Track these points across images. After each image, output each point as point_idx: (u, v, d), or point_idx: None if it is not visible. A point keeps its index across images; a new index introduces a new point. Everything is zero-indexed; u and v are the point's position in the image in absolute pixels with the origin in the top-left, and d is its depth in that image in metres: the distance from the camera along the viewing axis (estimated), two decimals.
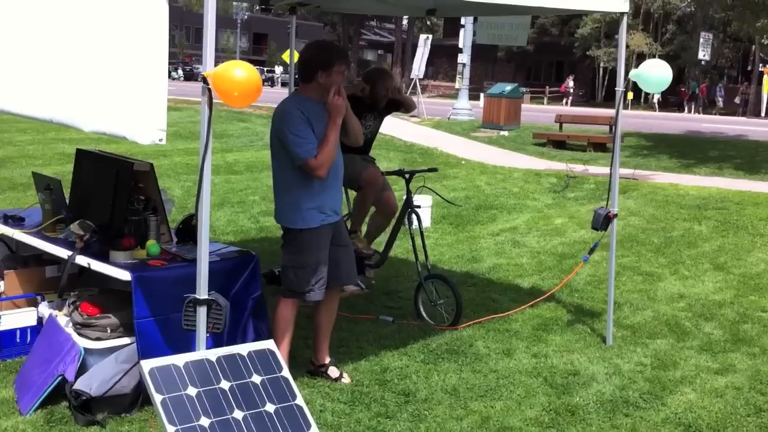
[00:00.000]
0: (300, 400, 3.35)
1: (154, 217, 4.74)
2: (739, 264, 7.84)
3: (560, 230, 9.32)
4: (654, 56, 46.71)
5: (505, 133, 19.70)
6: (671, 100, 46.68)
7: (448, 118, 23.08)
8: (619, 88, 5.40)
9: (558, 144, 17.80)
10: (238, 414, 3.20)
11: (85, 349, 4.29)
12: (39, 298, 5.04)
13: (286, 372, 3.43)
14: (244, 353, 3.41)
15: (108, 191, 4.74)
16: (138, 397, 4.26)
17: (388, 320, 5.90)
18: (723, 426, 4.36)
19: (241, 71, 3.22)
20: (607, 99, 48.91)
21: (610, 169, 5.48)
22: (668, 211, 10.36)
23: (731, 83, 51.69)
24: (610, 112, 34.88)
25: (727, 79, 52.85)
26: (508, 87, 20.90)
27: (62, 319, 4.55)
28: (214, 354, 3.34)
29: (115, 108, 3.57)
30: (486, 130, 20.21)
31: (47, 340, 4.51)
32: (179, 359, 3.27)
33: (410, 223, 6.00)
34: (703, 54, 42.73)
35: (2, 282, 5.16)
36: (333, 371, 4.79)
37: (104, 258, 4.44)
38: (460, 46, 23.37)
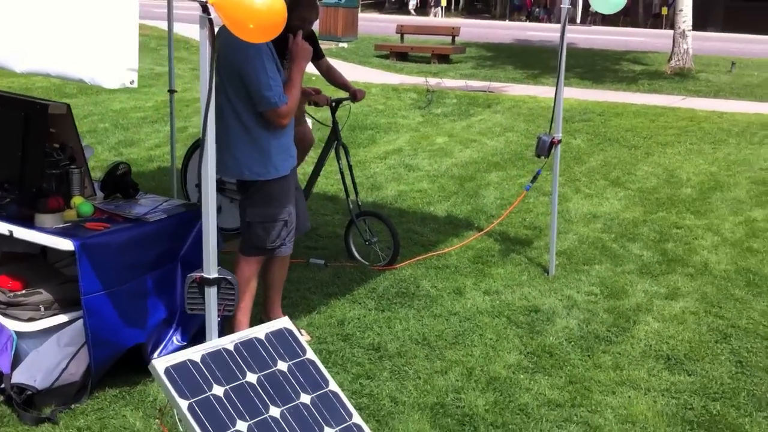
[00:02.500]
0: (333, 385, 2.92)
1: (77, 169, 4.00)
2: (631, 179, 7.98)
3: (446, 151, 9.11)
4: None
5: (344, 45, 19.16)
6: (478, 6, 47.52)
7: None
8: (565, 5, 5.12)
9: (401, 56, 17.53)
10: (274, 411, 2.72)
11: (17, 333, 3.58)
12: None
13: (310, 353, 2.97)
14: (262, 336, 2.91)
15: (15, 139, 3.92)
16: (86, 384, 3.64)
17: (320, 263, 5.47)
18: (700, 356, 4.36)
19: None
20: (421, 6, 49.14)
21: (555, 93, 5.23)
22: (539, 125, 10.40)
23: None
24: (449, 21, 35.00)
25: None
26: None
27: None
28: (230, 341, 2.82)
29: (68, 42, 2.86)
30: (323, 41, 19.51)
31: None
32: (194, 353, 2.72)
33: (338, 157, 5.51)
34: None
35: None
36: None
37: (26, 222, 3.69)
38: None
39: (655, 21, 37.08)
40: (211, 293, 2.83)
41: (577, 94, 12.66)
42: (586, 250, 5.95)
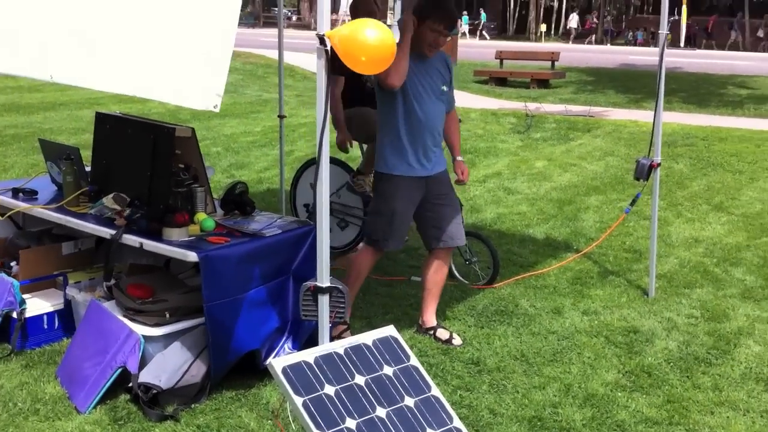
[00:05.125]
0: (435, 390, 3.10)
1: (200, 188, 4.33)
2: (735, 204, 7.89)
3: (545, 174, 9.20)
4: None
5: None
6: (579, 31, 47.19)
7: None
8: (663, 31, 5.20)
9: (500, 81, 17.69)
10: (381, 412, 2.92)
11: (144, 337, 3.89)
12: (62, 278, 4.58)
13: (414, 360, 3.16)
14: (369, 342, 3.12)
15: (144, 160, 4.28)
16: (206, 386, 3.92)
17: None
18: None
19: (373, 32, 2.84)
20: (518, 32, 49.20)
21: (654, 117, 5.31)
22: (640, 150, 10.35)
23: (637, 13, 52.62)
24: (546, 46, 34.97)
25: (633, 10, 53.73)
26: None
27: (106, 303, 4.13)
28: (340, 346, 3.03)
29: (162, 65, 3.13)
30: None
31: (94, 327, 4.08)
32: (308, 355, 2.95)
33: None
34: None
35: (14, 263, 4.67)
36: (442, 333, 4.69)
37: (154, 236, 4.03)
38: None
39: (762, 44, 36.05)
40: (324, 301, 3.06)
41: (680, 118, 12.52)
42: (687, 274, 5.95)
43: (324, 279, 3.06)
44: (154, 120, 4.52)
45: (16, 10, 3.77)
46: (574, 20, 45.89)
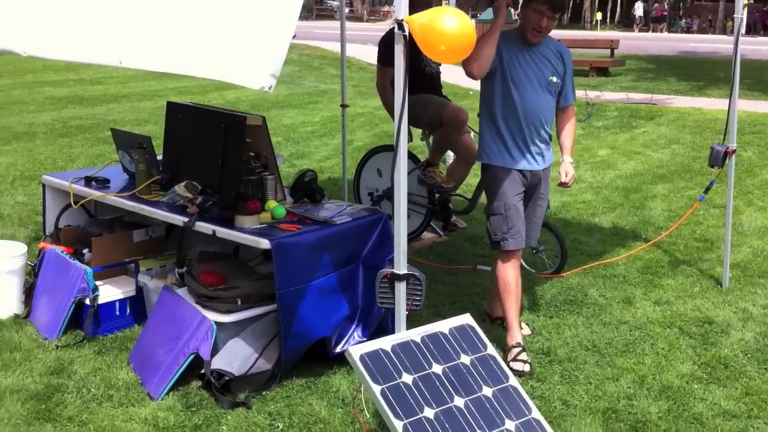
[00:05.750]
0: (513, 380, 3.05)
1: (271, 176, 4.33)
2: None
3: (609, 163, 9.04)
4: None
5: None
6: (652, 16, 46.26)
7: None
8: (738, 14, 5.05)
9: None
10: (458, 401, 2.89)
11: (216, 324, 3.91)
12: (133, 265, 4.64)
13: (491, 349, 3.12)
14: (446, 330, 3.08)
15: (215, 148, 4.30)
16: (276, 373, 3.93)
17: (487, 270, 5.58)
18: None
19: (452, 21, 2.78)
20: (573, 20, 48.52)
21: (729, 102, 5.17)
22: (706, 137, 10.13)
23: (698, 1, 51.48)
24: (603, 34, 34.38)
25: None
26: None
27: (179, 290, 4.17)
28: (417, 334, 3.01)
29: (220, 45, 3.10)
30: None
31: (167, 314, 4.11)
32: (385, 342, 2.93)
33: None
34: None
35: (86, 251, 4.74)
36: None
37: (226, 223, 4.04)
38: None
39: None
40: (401, 288, 3.04)
41: (745, 105, 12.19)
42: (762, 263, 5.78)
43: (402, 266, 3.03)
44: (225, 109, 4.54)
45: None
46: (639, 8, 45.09)
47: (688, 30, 43.67)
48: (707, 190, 5.50)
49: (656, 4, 45.91)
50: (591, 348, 4.46)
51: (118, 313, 4.54)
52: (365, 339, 4.14)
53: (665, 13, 45.28)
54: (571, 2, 49.88)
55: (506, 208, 4.25)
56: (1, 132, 10.69)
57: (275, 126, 11.37)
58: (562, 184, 4.38)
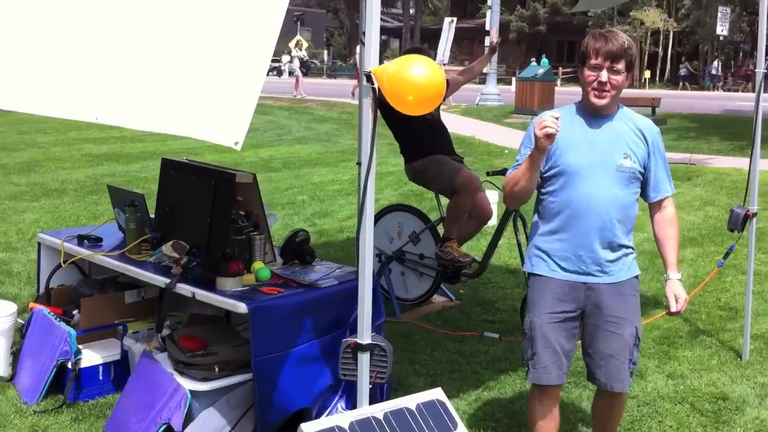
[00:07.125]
0: None
1: (259, 236, 4.21)
2: None
3: (638, 225, 8.59)
4: (669, 33, 46.10)
5: None
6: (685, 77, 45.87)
7: (477, 104, 22.46)
8: (760, 69, 4.85)
9: None
10: None
11: (191, 392, 3.75)
12: (121, 328, 4.52)
13: (461, 428, 2.90)
14: (412, 406, 2.88)
15: (204, 207, 4.18)
16: None
17: (495, 337, 5.37)
18: None
19: (420, 69, 2.65)
20: None
21: (750, 163, 4.92)
22: (743, 199, 9.74)
23: (746, 58, 50.89)
24: (648, 92, 34.18)
25: (742, 55, 52.03)
26: (541, 70, 20.25)
27: (158, 355, 4.02)
28: (380, 410, 2.81)
29: (194, 103, 3.00)
30: (519, 115, 19.59)
31: (144, 380, 3.97)
32: (343, 419, 2.74)
33: (516, 229, 5.45)
34: (722, 29, 41.89)
35: (76, 312, 4.64)
36: None
37: (208, 285, 3.91)
38: (487, 27, 22.68)
39: None
40: (364, 359, 2.85)
41: None
42: None
43: (365, 335, 2.85)
44: (216, 166, 4.45)
45: (54, 52, 3.75)
46: (684, 68, 44.92)
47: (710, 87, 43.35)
48: (727, 255, 5.23)
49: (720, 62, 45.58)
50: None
51: (101, 377, 4.40)
52: (349, 410, 3.94)
53: (749, 72, 44.76)
54: None
55: (531, 328, 3.32)
56: (32, 188, 10.81)
57: (303, 184, 11.34)
58: (672, 314, 3.44)
